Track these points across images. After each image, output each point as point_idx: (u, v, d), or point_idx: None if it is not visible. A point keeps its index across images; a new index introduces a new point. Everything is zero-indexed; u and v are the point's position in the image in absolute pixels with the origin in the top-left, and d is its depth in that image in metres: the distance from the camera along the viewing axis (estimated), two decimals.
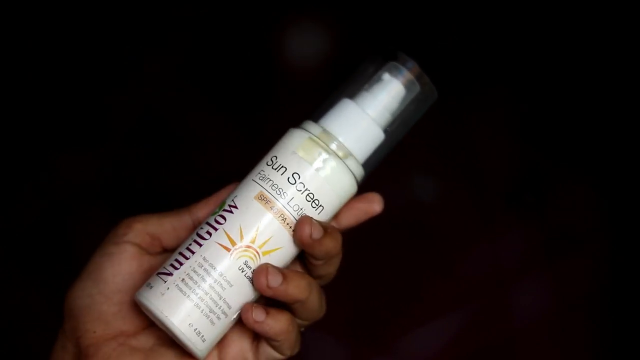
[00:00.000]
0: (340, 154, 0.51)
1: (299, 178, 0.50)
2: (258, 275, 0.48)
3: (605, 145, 1.16)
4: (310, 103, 0.53)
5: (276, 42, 1.20)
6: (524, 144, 1.16)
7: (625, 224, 1.13)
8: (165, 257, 0.53)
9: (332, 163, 0.50)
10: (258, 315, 0.49)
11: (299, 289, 0.49)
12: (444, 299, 1.09)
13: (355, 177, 0.51)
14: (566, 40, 1.19)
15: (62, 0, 1.18)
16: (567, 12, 1.19)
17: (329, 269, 0.52)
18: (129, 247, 0.52)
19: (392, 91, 0.52)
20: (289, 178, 0.50)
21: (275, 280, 0.48)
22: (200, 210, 0.53)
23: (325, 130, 0.51)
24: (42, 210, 1.11)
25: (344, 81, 0.53)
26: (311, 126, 0.51)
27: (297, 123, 0.52)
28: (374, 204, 0.54)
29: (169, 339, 0.51)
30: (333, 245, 0.50)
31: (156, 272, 0.50)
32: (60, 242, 1.10)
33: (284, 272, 0.49)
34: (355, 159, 0.51)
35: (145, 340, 0.52)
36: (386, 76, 0.52)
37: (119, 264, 0.51)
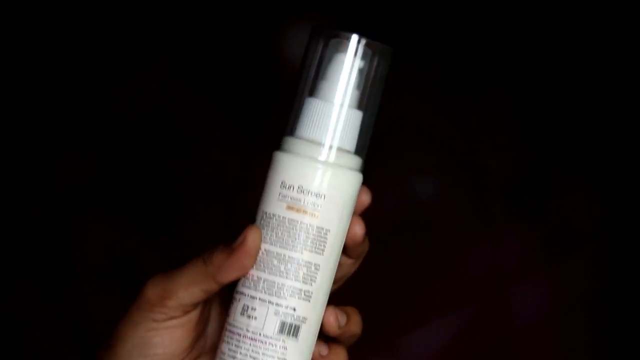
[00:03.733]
0: (353, 164, 0.51)
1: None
2: None
3: (606, 145, 1.16)
4: None
5: (280, 44, 1.20)
6: (524, 144, 1.16)
7: (625, 225, 1.13)
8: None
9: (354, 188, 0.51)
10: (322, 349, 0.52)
11: None
12: (444, 299, 1.09)
13: (358, 171, 0.51)
14: (566, 40, 1.19)
15: (62, 0, 1.18)
16: (567, 12, 1.19)
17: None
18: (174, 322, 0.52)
19: (347, 67, 0.50)
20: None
21: None
22: (227, 277, 0.51)
23: (339, 148, 0.50)
24: (42, 210, 1.11)
25: (299, 80, 0.52)
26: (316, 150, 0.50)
27: None
28: (362, 196, 0.54)
29: None
30: (357, 327, 0.53)
31: None
32: (60, 242, 1.10)
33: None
34: (351, 153, 0.51)
35: None
36: (334, 55, 0.51)
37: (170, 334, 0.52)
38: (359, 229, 0.51)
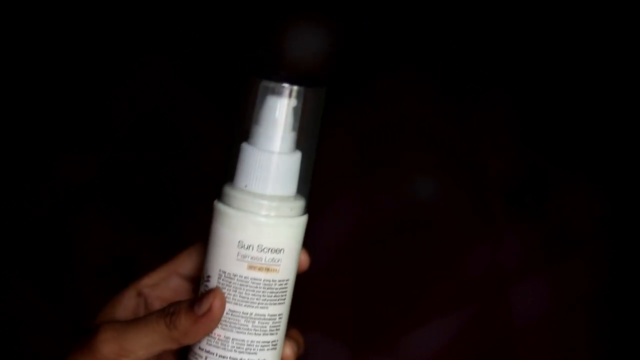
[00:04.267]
0: (302, 208, 0.50)
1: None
2: None
3: (606, 145, 1.16)
4: None
5: (280, 44, 1.20)
6: (524, 144, 1.16)
7: (625, 225, 1.13)
8: None
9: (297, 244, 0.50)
10: None
11: None
12: (444, 299, 1.09)
13: (305, 212, 0.51)
14: (566, 40, 1.19)
15: (62, 0, 1.18)
16: (567, 12, 1.19)
17: None
18: None
19: (281, 110, 0.50)
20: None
21: None
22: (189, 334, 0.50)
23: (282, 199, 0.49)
24: (42, 210, 1.11)
25: (235, 125, 0.51)
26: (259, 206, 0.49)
27: None
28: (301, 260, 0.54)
29: None
30: (302, 348, 0.53)
31: None
32: (60, 242, 1.10)
33: None
34: (298, 198, 0.50)
35: None
36: (266, 100, 0.50)
37: None
38: (305, 258, 0.52)
